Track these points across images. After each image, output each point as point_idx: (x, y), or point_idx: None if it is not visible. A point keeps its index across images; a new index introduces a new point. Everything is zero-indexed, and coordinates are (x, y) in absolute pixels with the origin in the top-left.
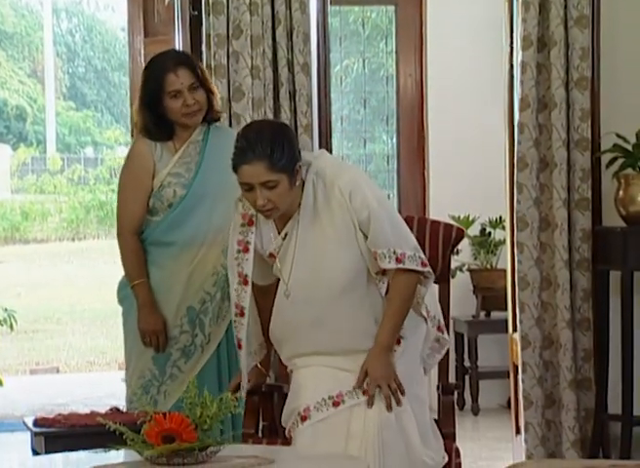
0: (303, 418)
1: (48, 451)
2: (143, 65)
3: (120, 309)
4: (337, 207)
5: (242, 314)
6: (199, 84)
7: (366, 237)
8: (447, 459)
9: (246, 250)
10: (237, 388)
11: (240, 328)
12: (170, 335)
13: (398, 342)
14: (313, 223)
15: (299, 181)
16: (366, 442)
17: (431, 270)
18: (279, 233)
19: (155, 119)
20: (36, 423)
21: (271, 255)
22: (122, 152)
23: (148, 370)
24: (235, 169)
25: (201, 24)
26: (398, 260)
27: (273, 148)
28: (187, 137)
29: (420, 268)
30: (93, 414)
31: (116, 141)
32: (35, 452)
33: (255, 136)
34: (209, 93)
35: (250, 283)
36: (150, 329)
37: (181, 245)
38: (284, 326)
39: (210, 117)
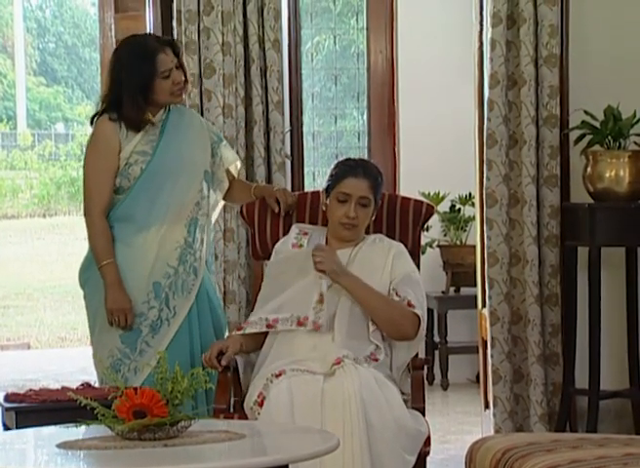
0: (278, 375)
1: (19, 427)
2: (114, 41)
3: (82, 292)
4: (384, 260)
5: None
6: (179, 63)
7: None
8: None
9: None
10: (220, 353)
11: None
12: (138, 312)
13: (376, 360)
14: (363, 261)
15: (373, 217)
16: (349, 397)
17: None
18: None
19: (144, 105)
20: (7, 399)
21: None
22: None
23: (117, 350)
24: (339, 179)
25: (172, 0)
26: (410, 305)
27: (377, 175)
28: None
29: (419, 326)
30: (64, 390)
31: (87, 117)
32: (6, 427)
33: (363, 162)
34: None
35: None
36: (119, 307)
37: (145, 220)
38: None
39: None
